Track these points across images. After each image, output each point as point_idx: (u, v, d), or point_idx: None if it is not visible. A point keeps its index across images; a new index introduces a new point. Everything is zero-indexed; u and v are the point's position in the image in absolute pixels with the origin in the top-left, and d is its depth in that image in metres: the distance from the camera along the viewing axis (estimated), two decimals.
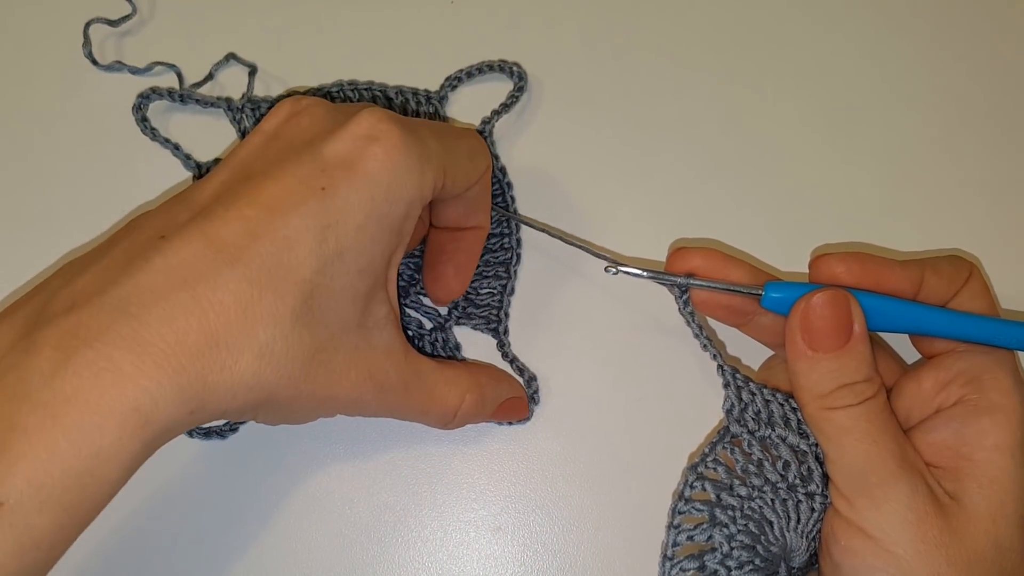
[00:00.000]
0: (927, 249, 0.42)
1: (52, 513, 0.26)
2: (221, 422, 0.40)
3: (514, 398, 0.39)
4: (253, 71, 0.43)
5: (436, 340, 0.40)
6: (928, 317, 0.34)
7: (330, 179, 0.30)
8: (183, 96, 0.42)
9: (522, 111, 0.43)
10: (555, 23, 0.45)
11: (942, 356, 0.35)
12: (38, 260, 0.42)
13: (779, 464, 0.36)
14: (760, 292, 0.34)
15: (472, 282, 0.40)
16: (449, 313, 0.40)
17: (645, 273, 0.36)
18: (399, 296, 0.40)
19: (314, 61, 0.44)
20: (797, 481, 0.35)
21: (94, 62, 0.43)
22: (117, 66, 0.43)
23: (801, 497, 0.35)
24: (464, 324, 0.40)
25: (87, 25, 0.43)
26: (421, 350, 0.40)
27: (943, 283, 0.35)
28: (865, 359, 0.33)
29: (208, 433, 0.40)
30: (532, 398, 0.40)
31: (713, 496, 0.35)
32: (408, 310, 0.41)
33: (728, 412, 0.36)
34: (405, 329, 0.40)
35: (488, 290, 0.40)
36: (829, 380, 0.33)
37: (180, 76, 0.43)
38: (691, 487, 0.36)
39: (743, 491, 0.35)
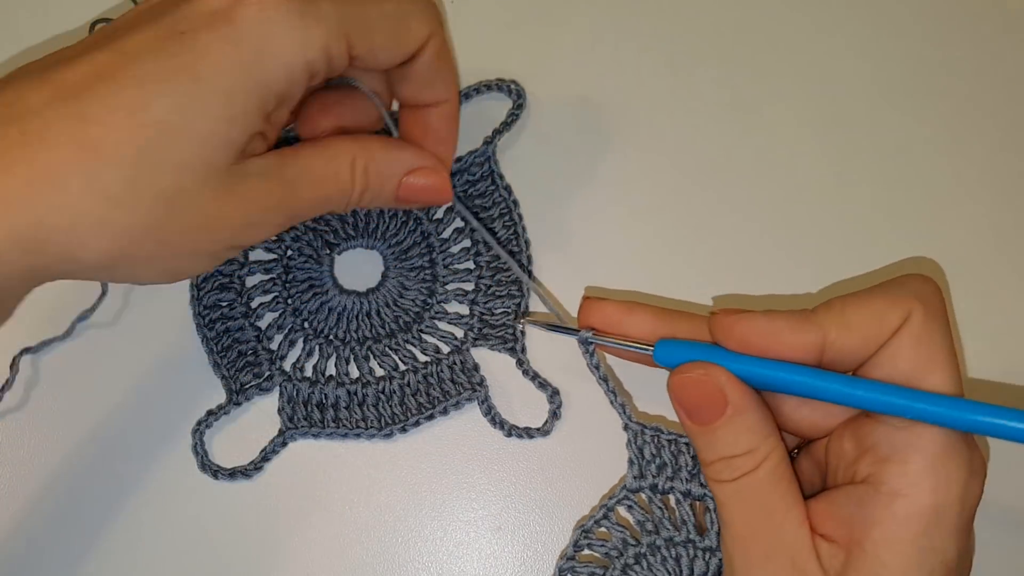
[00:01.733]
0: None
1: None
2: (246, 461, 0.40)
3: (422, 168, 0.36)
4: None
5: (454, 363, 0.41)
6: (820, 386, 0.30)
7: (191, 26, 0.29)
8: None
9: (524, 122, 0.44)
10: (556, 24, 0.45)
11: (866, 419, 0.31)
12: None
13: (677, 518, 0.37)
14: (651, 350, 0.33)
15: (486, 302, 0.41)
16: (465, 335, 0.41)
17: (547, 328, 0.37)
18: (413, 322, 0.41)
19: None
20: (694, 536, 0.36)
21: None
22: None
23: (697, 552, 0.36)
24: (481, 345, 0.41)
25: (92, 25, 0.43)
26: (439, 375, 0.41)
27: (854, 341, 0.30)
28: (742, 432, 0.31)
29: (233, 474, 0.40)
30: (555, 413, 0.40)
31: (600, 555, 0.37)
32: (424, 335, 0.41)
33: (629, 466, 0.37)
34: (423, 352, 0.41)
35: (503, 310, 0.41)
36: (707, 452, 0.32)
37: None
38: (576, 547, 0.38)
39: (631, 551, 0.37)
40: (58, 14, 0.45)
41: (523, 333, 0.40)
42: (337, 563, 0.40)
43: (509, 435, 0.40)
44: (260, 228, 0.32)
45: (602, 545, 0.38)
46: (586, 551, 0.38)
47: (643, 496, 0.37)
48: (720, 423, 0.31)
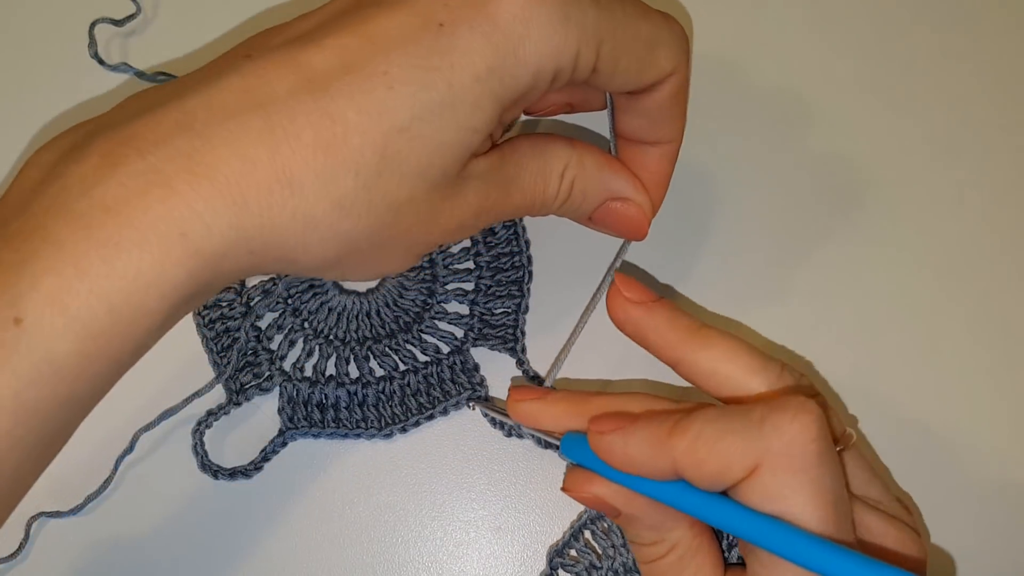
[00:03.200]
0: None
1: (77, 339, 0.22)
2: (247, 461, 0.40)
3: (628, 201, 0.33)
4: None
5: (454, 363, 0.41)
6: (679, 504, 0.29)
7: (451, 16, 0.26)
8: None
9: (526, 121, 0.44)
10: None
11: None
12: None
13: None
14: (557, 443, 0.34)
15: (486, 302, 0.41)
16: (465, 335, 0.41)
17: (488, 417, 0.40)
18: (413, 322, 0.41)
19: None
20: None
21: (101, 62, 0.43)
22: (123, 67, 0.44)
23: None
24: (481, 345, 0.41)
25: (92, 25, 0.43)
26: (439, 375, 0.41)
27: (704, 481, 0.28)
28: (642, 529, 0.31)
29: (233, 474, 0.40)
30: None
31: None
32: (424, 335, 0.41)
33: None
34: (423, 352, 0.41)
35: (503, 310, 0.41)
36: (625, 534, 0.34)
37: None
38: (551, 567, 0.39)
39: (596, 574, 0.38)
40: (58, 14, 0.45)
41: (472, 408, 0.40)
42: (337, 563, 0.40)
43: (509, 435, 0.40)
44: (470, 230, 0.30)
45: (573, 566, 0.39)
46: (560, 572, 0.39)
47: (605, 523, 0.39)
48: (621, 522, 0.32)
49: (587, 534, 0.39)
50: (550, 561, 0.40)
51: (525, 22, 0.26)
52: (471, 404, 0.40)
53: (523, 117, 0.41)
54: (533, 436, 0.38)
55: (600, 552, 0.39)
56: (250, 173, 0.24)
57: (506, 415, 0.37)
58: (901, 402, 0.42)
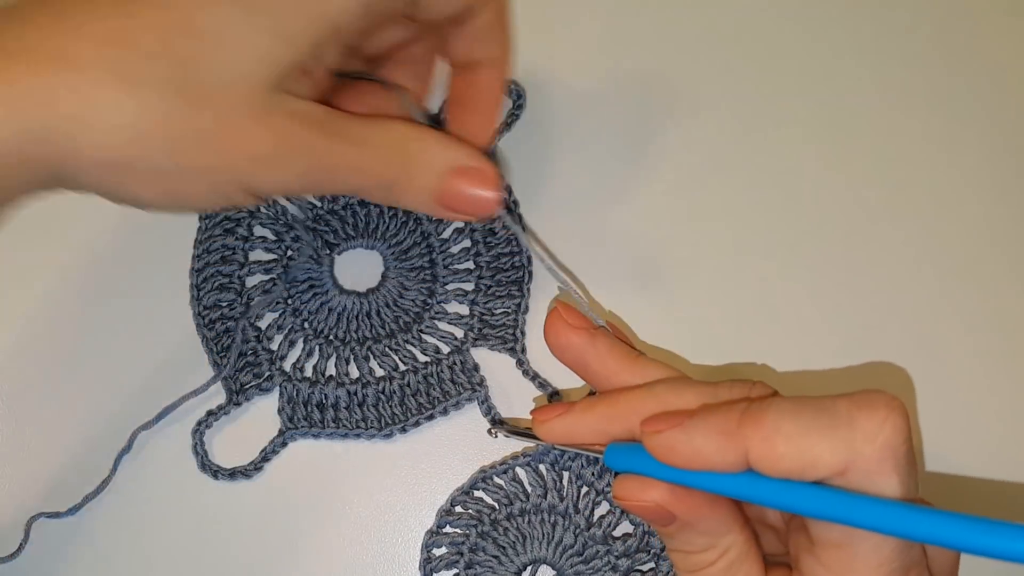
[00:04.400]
0: None
1: None
2: (247, 461, 0.40)
3: (469, 169, 0.32)
4: None
5: (454, 363, 0.41)
6: (752, 496, 0.28)
7: None
8: None
9: (527, 121, 0.44)
10: (556, 24, 0.45)
11: (803, 534, 0.29)
12: (40, 259, 0.42)
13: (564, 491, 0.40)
14: (601, 455, 0.33)
15: (486, 302, 0.41)
16: (465, 335, 0.41)
17: (515, 438, 0.38)
18: (413, 322, 0.41)
19: None
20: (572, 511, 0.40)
21: None
22: None
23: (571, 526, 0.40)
24: (481, 345, 0.41)
25: None
26: (439, 375, 0.41)
27: (777, 472, 0.27)
28: (695, 535, 0.30)
29: (233, 474, 0.40)
30: None
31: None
32: (424, 335, 0.41)
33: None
34: (423, 352, 0.41)
35: (503, 310, 0.41)
36: (667, 543, 0.32)
37: None
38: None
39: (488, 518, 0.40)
40: None
41: (495, 436, 0.38)
42: (337, 563, 0.40)
43: (508, 435, 0.40)
44: (280, 171, 0.29)
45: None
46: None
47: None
48: (672, 530, 0.30)
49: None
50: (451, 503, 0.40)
51: None
52: (493, 432, 0.38)
53: None
54: (559, 452, 0.38)
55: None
56: (21, 64, 0.24)
57: (531, 436, 0.35)
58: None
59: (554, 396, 0.41)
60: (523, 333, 0.41)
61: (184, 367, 0.41)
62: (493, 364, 0.41)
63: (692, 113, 0.44)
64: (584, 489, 0.40)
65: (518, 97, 0.43)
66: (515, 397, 0.41)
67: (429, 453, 0.41)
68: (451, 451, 0.41)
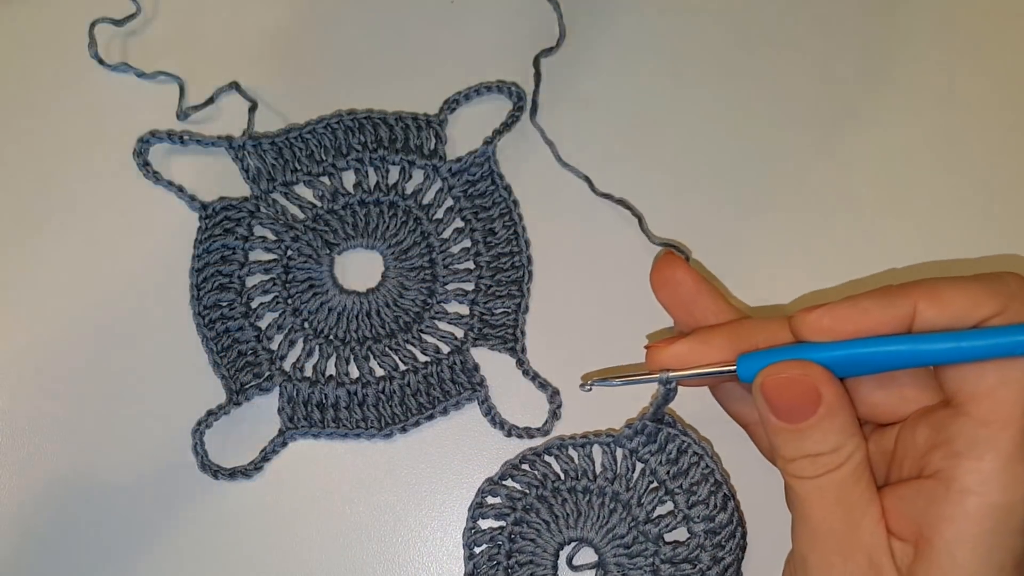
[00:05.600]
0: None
1: None
2: (247, 461, 0.40)
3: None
4: (253, 107, 0.43)
5: (454, 363, 0.41)
6: (924, 349, 0.30)
7: None
8: (183, 138, 0.42)
9: (525, 122, 0.44)
10: (554, 24, 0.45)
11: (943, 410, 0.31)
12: (39, 260, 0.42)
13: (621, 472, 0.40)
14: (733, 370, 0.32)
15: (486, 302, 0.41)
16: (465, 335, 0.41)
17: (619, 382, 0.35)
18: (413, 322, 0.41)
19: (315, 63, 0.45)
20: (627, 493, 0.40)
21: (100, 62, 0.43)
22: (123, 67, 0.44)
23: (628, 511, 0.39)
24: (481, 345, 0.41)
25: (92, 25, 0.43)
26: (439, 375, 0.41)
27: (944, 319, 0.30)
28: (832, 430, 0.31)
29: (233, 474, 0.40)
30: (555, 413, 0.40)
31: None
32: (424, 335, 0.41)
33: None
34: (423, 352, 0.41)
35: (503, 309, 0.41)
36: (791, 449, 0.32)
37: (182, 88, 0.43)
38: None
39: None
40: (59, 14, 0.45)
41: (589, 389, 0.35)
42: (337, 563, 0.40)
43: (509, 435, 0.40)
44: None
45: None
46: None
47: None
48: (812, 422, 0.31)
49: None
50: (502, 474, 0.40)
51: None
52: (587, 385, 0.35)
53: None
54: (668, 383, 0.34)
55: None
56: None
57: (635, 377, 0.34)
58: None
59: (555, 395, 0.41)
60: (523, 333, 0.41)
61: (185, 366, 0.41)
62: (493, 364, 0.41)
63: (690, 110, 0.44)
64: (653, 484, 0.39)
65: (518, 99, 0.43)
66: (515, 397, 0.41)
67: (429, 453, 0.41)
68: (451, 451, 0.41)
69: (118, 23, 0.44)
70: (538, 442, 0.40)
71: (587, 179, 0.42)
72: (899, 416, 0.33)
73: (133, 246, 0.42)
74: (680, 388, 0.35)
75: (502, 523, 0.39)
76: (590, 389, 0.35)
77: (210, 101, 0.43)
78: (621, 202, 0.42)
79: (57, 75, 0.44)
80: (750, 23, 0.45)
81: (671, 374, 0.34)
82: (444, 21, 0.45)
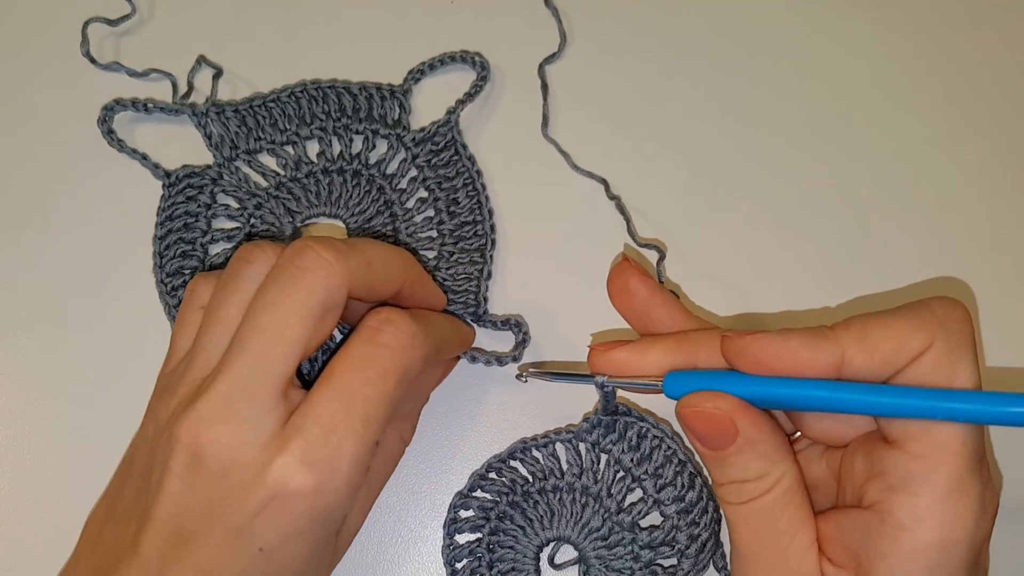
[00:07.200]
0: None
1: None
2: None
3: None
4: (218, 74, 0.44)
5: None
6: (843, 398, 0.29)
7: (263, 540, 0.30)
8: (147, 106, 0.42)
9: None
10: (552, 21, 0.45)
11: (880, 441, 0.30)
12: (38, 259, 0.42)
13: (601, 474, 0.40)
14: (659, 385, 0.32)
15: (448, 269, 0.41)
16: None
17: (554, 379, 0.36)
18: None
19: (305, 52, 0.45)
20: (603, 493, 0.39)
21: (92, 61, 0.43)
22: (115, 66, 0.43)
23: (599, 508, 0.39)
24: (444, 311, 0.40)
25: (86, 24, 0.44)
26: None
27: (874, 362, 0.29)
28: (752, 458, 0.30)
29: None
30: (523, 340, 0.40)
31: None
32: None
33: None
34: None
35: (464, 275, 0.41)
36: (719, 475, 0.31)
37: (175, 86, 0.44)
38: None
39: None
40: (54, 12, 0.45)
41: (525, 380, 0.37)
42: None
43: (473, 361, 0.39)
44: None
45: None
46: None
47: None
48: (731, 451, 0.30)
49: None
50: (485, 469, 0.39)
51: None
52: (523, 377, 0.37)
53: None
54: (604, 387, 0.35)
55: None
56: None
57: (573, 375, 0.35)
58: None
59: (518, 325, 0.40)
60: (485, 299, 0.41)
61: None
62: None
63: (683, 93, 0.44)
64: (620, 474, 0.39)
65: (482, 69, 0.43)
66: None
67: (429, 453, 0.40)
68: (451, 450, 0.40)
69: (112, 23, 0.44)
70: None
71: (604, 181, 0.42)
72: (848, 440, 0.32)
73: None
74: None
75: (479, 535, 0.38)
76: (526, 380, 0.37)
77: (191, 88, 0.44)
78: (619, 206, 0.42)
79: (49, 73, 0.44)
80: (750, 23, 0.46)
81: (607, 380, 0.34)
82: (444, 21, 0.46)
